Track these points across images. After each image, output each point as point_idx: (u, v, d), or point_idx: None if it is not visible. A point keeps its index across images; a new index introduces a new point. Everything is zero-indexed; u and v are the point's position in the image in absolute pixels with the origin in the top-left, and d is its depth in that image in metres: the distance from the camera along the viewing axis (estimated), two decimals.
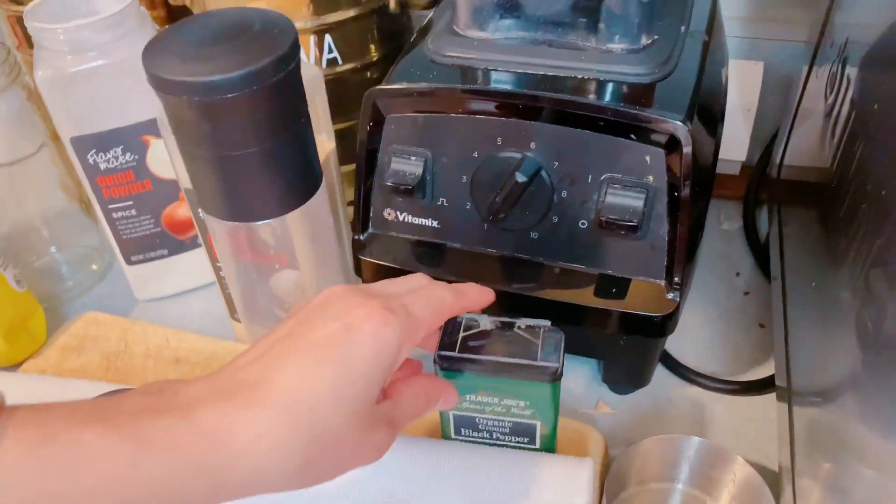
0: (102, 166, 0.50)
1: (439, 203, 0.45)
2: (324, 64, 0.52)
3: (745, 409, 0.48)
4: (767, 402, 0.48)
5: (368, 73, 0.53)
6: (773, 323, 0.48)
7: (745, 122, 0.59)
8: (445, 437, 0.42)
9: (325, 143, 0.46)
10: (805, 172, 0.47)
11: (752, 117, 0.59)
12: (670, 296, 0.42)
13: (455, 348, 0.38)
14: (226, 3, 0.50)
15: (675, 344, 0.51)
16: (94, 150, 0.49)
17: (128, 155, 0.50)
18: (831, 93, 0.41)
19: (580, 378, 0.50)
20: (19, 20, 0.58)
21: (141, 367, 0.50)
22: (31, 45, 0.58)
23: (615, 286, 0.43)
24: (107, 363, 0.51)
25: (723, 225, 0.61)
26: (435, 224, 0.46)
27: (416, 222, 0.46)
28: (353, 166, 0.46)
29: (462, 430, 0.41)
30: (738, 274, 0.57)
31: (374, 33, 0.52)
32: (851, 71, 0.38)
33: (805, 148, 0.47)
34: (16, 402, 0.44)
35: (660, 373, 0.50)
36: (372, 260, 0.48)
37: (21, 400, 0.46)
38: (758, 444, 0.46)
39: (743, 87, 0.59)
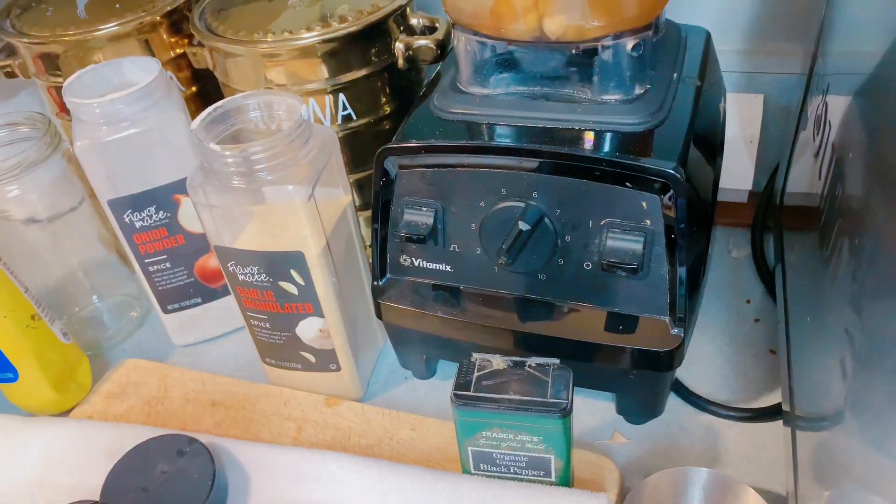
0: (138, 224, 0.54)
1: (451, 249, 0.47)
2: (339, 120, 0.55)
3: (758, 436, 0.49)
4: (778, 429, 0.50)
5: (383, 125, 0.57)
6: (780, 349, 0.50)
7: (749, 152, 0.61)
8: (465, 471, 0.44)
9: (343, 198, 0.49)
10: (804, 199, 0.48)
11: (755, 148, 0.61)
12: (675, 331, 0.44)
13: (470, 388, 0.40)
14: (245, 68, 0.54)
15: (687, 372, 0.53)
16: (130, 210, 0.53)
17: (161, 213, 0.54)
18: (817, 135, 0.43)
19: (596, 410, 0.52)
20: (58, 89, 0.63)
21: (180, 412, 0.53)
22: (69, 112, 0.62)
23: (622, 323, 0.45)
24: (148, 408, 0.54)
25: (732, 253, 0.63)
26: (448, 268, 0.48)
27: (431, 267, 0.49)
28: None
29: (480, 464, 0.43)
30: (748, 301, 0.59)
31: (386, 89, 0.55)
32: (833, 115, 0.40)
33: (804, 177, 0.49)
34: (71, 445, 0.47)
35: (673, 401, 0.52)
36: (391, 304, 0.50)
37: (75, 443, 0.49)
38: (770, 470, 0.47)
39: (744, 119, 0.61)
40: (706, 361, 0.55)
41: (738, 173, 0.61)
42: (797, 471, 0.40)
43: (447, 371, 0.56)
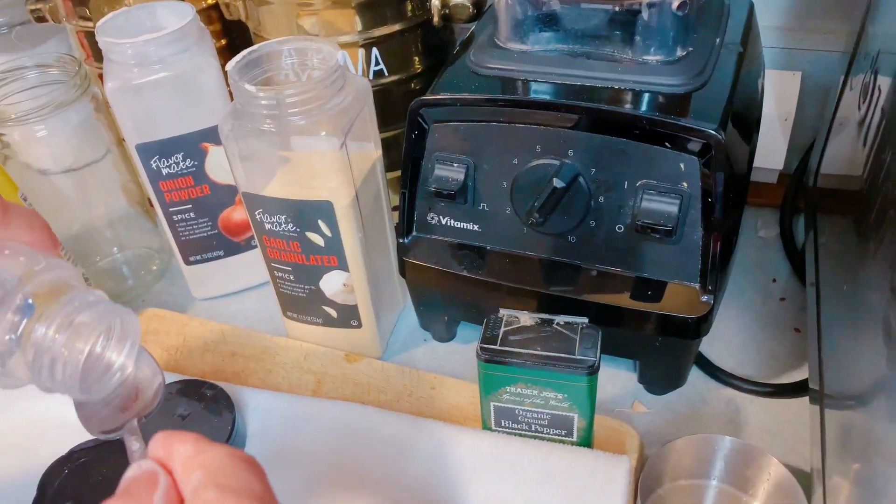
0: (164, 171, 0.53)
1: (480, 208, 0.47)
2: (370, 76, 0.54)
3: (780, 412, 0.49)
4: (801, 406, 0.49)
5: (413, 85, 0.56)
6: (808, 327, 0.49)
7: (783, 131, 0.60)
8: (486, 428, 0.44)
9: (373, 152, 0.49)
10: (840, 181, 0.48)
11: (790, 127, 0.60)
12: (704, 298, 0.44)
13: (497, 342, 0.40)
14: (278, 17, 0.54)
15: (711, 348, 0.53)
16: (157, 157, 0.53)
17: (188, 161, 0.53)
18: (864, 102, 0.43)
19: (617, 379, 0.52)
20: (87, 35, 0.62)
21: (200, 361, 0.53)
22: (98, 59, 0.62)
23: (651, 289, 0.45)
24: (167, 356, 0.54)
25: (759, 232, 0.62)
26: (476, 228, 0.48)
27: (458, 226, 0.48)
28: (398, 173, 0.49)
29: (502, 421, 0.43)
30: (774, 280, 0.58)
31: (419, 46, 0.55)
32: (883, 81, 0.39)
33: (840, 157, 0.48)
34: None
35: (695, 375, 0.51)
36: (416, 261, 0.50)
37: None
38: (791, 445, 0.47)
39: (780, 96, 0.60)
40: (730, 337, 0.54)
41: (770, 152, 0.61)
42: (825, 447, 0.39)
43: (466, 335, 0.56)
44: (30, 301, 0.29)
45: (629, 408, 0.50)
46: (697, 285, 0.44)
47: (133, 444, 0.30)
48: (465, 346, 0.55)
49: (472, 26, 0.52)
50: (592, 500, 0.40)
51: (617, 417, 0.48)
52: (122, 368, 0.31)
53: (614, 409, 0.50)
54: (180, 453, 0.26)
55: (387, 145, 0.59)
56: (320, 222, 0.46)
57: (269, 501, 0.24)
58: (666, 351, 0.47)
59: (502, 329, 0.41)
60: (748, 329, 0.55)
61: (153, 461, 0.26)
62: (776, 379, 0.51)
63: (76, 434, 0.45)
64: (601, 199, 0.43)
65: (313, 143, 0.44)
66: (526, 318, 0.41)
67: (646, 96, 0.42)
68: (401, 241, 0.50)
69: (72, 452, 0.43)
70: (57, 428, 0.47)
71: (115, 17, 0.51)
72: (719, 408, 0.50)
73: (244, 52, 0.45)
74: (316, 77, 0.42)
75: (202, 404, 0.46)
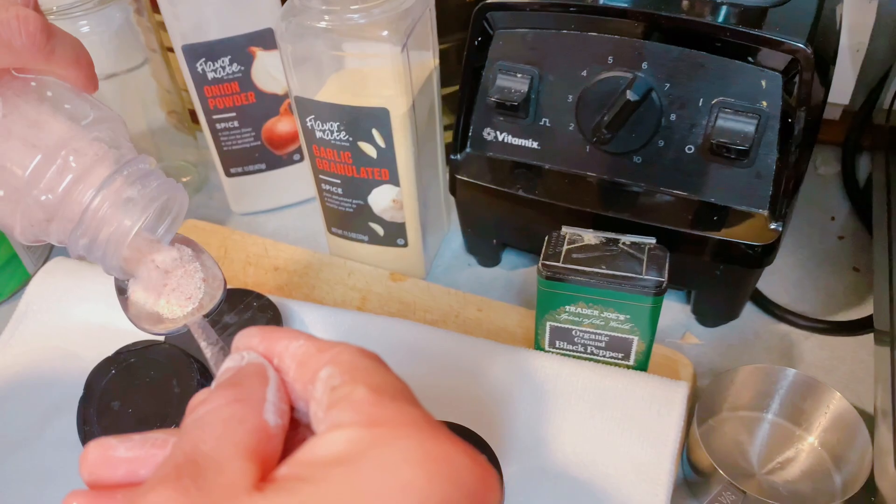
0: (210, 76, 0.51)
1: (542, 123, 0.45)
2: None
3: (836, 349, 0.48)
4: (859, 344, 0.48)
5: None
6: (876, 267, 0.47)
7: (853, 63, 0.57)
8: (538, 348, 0.43)
9: (431, 60, 0.47)
10: None
11: (861, 59, 0.57)
12: (773, 226, 0.42)
13: (559, 259, 0.38)
14: None
15: (765, 283, 0.51)
16: (204, 59, 0.51)
17: (234, 66, 0.51)
18: None
19: (667, 309, 0.50)
20: None
21: (242, 273, 0.52)
22: None
23: (717, 214, 0.43)
24: None
25: (819, 170, 0.60)
26: (535, 145, 0.46)
27: (516, 143, 0.47)
28: (451, 89, 0.46)
29: (557, 342, 0.42)
30: (832, 218, 0.56)
31: None
32: None
33: None
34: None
35: (748, 310, 0.50)
36: (469, 179, 0.48)
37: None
38: (847, 383, 0.45)
39: (853, 26, 0.57)
40: (785, 274, 0.52)
41: (837, 86, 0.58)
42: None
43: (512, 260, 0.55)
44: (72, 161, 0.27)
45: (680, 339, 0.49)
46: (766, 212, 0.42)
47: (205, 339, 0.29)
48: (510, 272, 0.54)
49: None
50: (649, 425, 0.39)
51: (668, 347, 0.47)
52: (170, 251, 0.30)
53: (665, 339, 0.49)
54: (291, 349, 0.22)
55: (442, 57, 0.56)
56: (374, 132, 0.44)
57: (419, 405, 0.21)
58: (726, 280, 0.45)
59: (565, 247, 0.39)
60: (804, 266, 0.53)
61: (257, 354, 0.23)
62: (832, 317, 0.50)
63: (121, 338, 0.44)
64: (673, 116, 0.41)
65: (371, 47, 0.42)
66: (590, 237, 0.39)
67: (727, 8, 0.40)
68: (453, 157, 0.49)
69: (118, 353, 0.42)
70: (101, 330, 0.47)
71: None
72: (773, 342, 0.48)
73: None
74: None
75: (248, 313, 0.45)
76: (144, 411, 0.40)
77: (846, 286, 0.51)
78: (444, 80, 0.51)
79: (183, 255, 0.31)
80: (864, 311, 0.49)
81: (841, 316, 0.50)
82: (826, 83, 0.46)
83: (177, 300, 0.31)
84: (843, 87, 0.58)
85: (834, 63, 0.49)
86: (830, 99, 0.59)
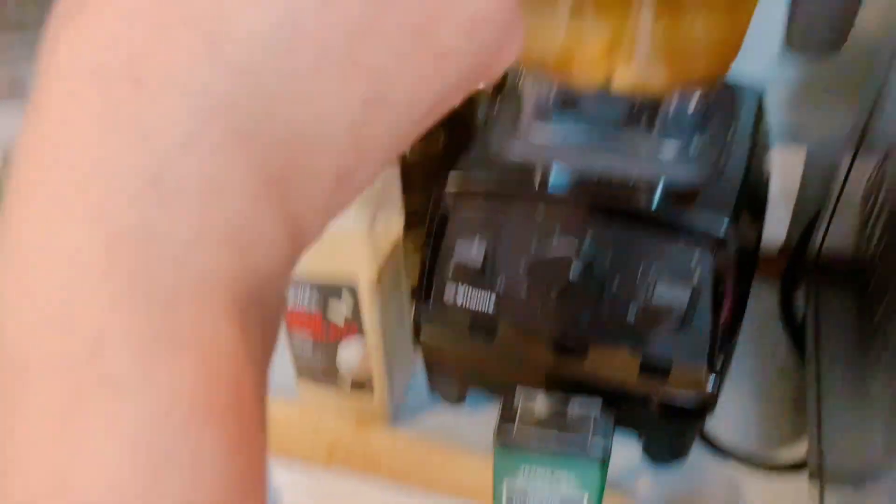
0: None
1: (497, 283, 0.48)
2: None
3: (781, 489, 0.50)
4: (802, 483, 0.51)
5: (434, 162, 0.57)
6: (807, 404, 0.50)
7: (786, 205, 0.62)
8: None
9: (397, 221, 0.51)
10: (843, 258, 0.49)
11: (793, 201, 0.62)
12: (711, 379, 0.45)
13: (513, 423, 0.41)
14: None
15: (712, 422, 0.54)
16: None
17: None
18: (869, 198, 0.45)
19: (621, 447, 0.53)
20: None
21: None
22: None
23: (660, 370, 0.46)
24: None
25: (758, 304, 0.64)
26: (492, 301, 0.49)
27: (476, 298, 0.50)
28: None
29: (513, 501, 0.44)
30: (773, 354, 0.60)
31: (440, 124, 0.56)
32: (889, 182, 0.41)
33: (844, 237, 0.50)
34: None
35: (696, 448, 0.53)
36: (431, 327, 0.51)
37: None
38: None
39: (785, 171, 0.62)
40: (728, 410, 0.55)
41: (772, 225, 0.62)
42: None
43: (476, 399, 0.57)
44: None
45: (632, 478, 0.51)
46: (705, 365, 0.46)
47: None
48: (473, 410, 0.57)
49: (497, 104, 0.54)
50: None
51: (619, 488, 0.50)
52: None
53: (615, 477, 0.51)
54: None
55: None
56: (342, 297, 0.48)
57: None
58: (673, 428, 0.48)
59: (518, 410, 0.42)
60: (745, 402, 0.56)
61: None
62: (776, 452, 0.53)
63: None
64: (615, 285, 0.45)
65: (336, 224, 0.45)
66: (541, 400, 0.42)
67: (661, 187, 0.44)
68: (419, 306, 0.52)
69: None
70: None
71: None
72: (721, 482, 0.51)
73: None
74: None
75: None
76: None
77: (787, 422, 0.55)
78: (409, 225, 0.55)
79: None
80: (804, 448, 0.52)
81: (784, 452, 0.53)
82: (756, 240, 0.51)
83: None
84: (777, 227, 0.63)
85: (765, 214, 0.54)
86: (766, 239, 0.63)
